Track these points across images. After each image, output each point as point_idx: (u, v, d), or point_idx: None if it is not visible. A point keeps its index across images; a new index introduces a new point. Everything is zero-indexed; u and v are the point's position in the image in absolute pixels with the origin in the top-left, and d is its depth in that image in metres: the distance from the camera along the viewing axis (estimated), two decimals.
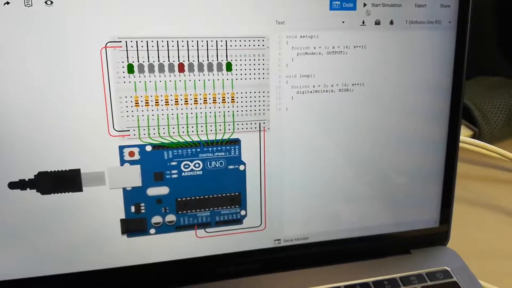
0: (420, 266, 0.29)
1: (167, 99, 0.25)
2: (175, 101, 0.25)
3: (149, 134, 0.25)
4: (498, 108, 0.49)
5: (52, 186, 0.24)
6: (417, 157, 0.29)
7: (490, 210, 0.39)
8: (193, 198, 0.26)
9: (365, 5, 0.26)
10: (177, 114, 0.25)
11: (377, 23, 0.27)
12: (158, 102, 0.24)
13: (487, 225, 0.37)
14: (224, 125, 0.26)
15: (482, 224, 0.37)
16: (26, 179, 0.24)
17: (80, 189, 0.24)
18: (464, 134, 0.48)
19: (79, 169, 0.24)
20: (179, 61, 0.24)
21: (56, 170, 0.24)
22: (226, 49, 0.25)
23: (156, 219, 0.26)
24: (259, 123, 0.26)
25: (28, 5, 0.22)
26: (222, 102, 0.25)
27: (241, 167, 0.27)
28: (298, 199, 0.28)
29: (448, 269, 0.29)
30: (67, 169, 0.24)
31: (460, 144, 0.41)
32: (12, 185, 0.24)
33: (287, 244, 0.28)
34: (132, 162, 0.25)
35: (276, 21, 0.25)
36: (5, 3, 0.22)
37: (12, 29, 0.22)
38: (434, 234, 0.31)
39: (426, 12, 0.27)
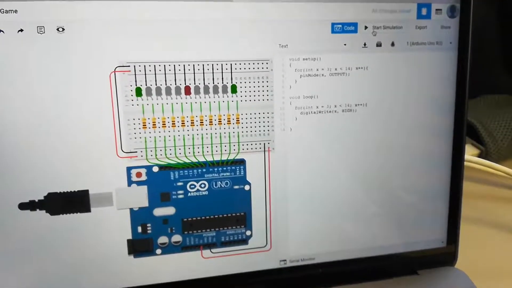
0: (428, 287, 0.29)
1: (174, 121, 0.25)
2: (182, 123, 0.25)
3: (156, 155, 0.25)
4: (504, 126, 0.49)
5: (61, 207, 0.24)
6: (422, 177, 0.29)
7: (498, 229, 0.38)
8: (199, 218, 0.27)
9: (366, 27, 0.27)
10: (184, 135, 0.25)
11: (379, 45, 0.27)
12: (165, 124, 0.25)
13: (495, 245, 0.36)
14: (230, 145, 0.26)
15: (490, 244, 0.36)
16: (36, 200, 0.24)
17: (88, 210, 0.25)
18: (471, 153, 0.48)
19: (87, 190, 0.25)
20: (185, 84, 0.25)
21: (66, 191, 0.24)
22: (231, 72, 0.25)
23: (162, 239, 0.26)
24: (264, 144, 0.27)
25: (41, 32, 0.23)
26: (228, 123, 0.26)
27: (246, 187, 0.27)
28: (303, 219, 0.28)
29: None
30: (76, 190, 0.24)
31: (467, 163, 0.41)
32: (22, 206, 0.24)
33: (293, 265, 0.28)
34: (139, 183, 0.25)
35: (280, 44, 0.26)
36: (19, 30, 0.23)
37: (25, 55, 0.23)
38: (442, 254, 0.31)
39: (427, 33, 0.28)
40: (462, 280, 0.30)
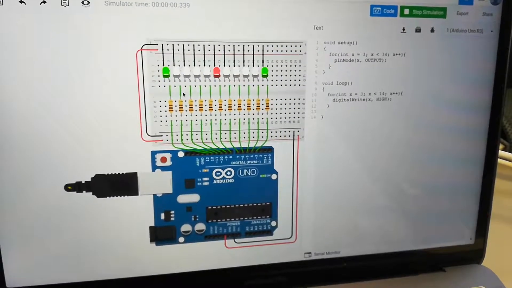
0: (455, 285, 0.28)
1: (201, 105, 0.24)
2: (209, 107, 0.24)
3: (182, 140, 0.24)
4: None
5: (108, 189, 0.24)
6: (453, 172, 0.28)
7: None
8: (223, 206, 0.25)
9: (406, 11, 0.25)
10: (211, 120, 0.24)
11: (418, 30, 0.26)
12: (192, 107, 0.24)
13: None
14: (258, 132, 0.25)
15: None
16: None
17: (136, 193, 0.24)
18: None
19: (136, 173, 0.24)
20: (214, 65, 0.24)
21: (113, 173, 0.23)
22: (263, 54, 0.24)
23: (186, 227, 0.25)
24: (293, 131, 0.25)
25: (65, 5, 0.21)
26: (257, 108, 0.25)
27: (273, 176, 0.26)
28: (330, 211, 0.27)
29: None
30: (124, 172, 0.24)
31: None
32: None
33: (317, 258, 0.27)
34: (163, 168, 0.24)
35: (314, 26, 0.24)
36: (41, 2, 0.21)
37: (48, 29, 0.21)
38: (469, 251, 0.30)
39: (468, 20, 0.26)
40: (490, 279, 0.29)
